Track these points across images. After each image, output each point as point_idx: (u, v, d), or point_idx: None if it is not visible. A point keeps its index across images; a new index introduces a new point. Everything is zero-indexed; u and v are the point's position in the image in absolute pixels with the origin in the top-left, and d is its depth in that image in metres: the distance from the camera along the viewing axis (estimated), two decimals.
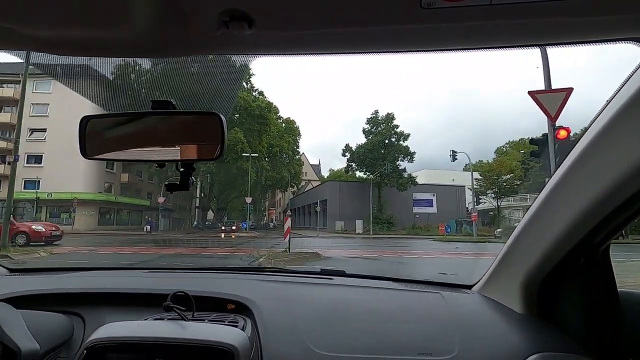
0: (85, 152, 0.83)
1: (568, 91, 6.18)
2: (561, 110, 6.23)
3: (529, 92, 6.42)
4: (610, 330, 0.94)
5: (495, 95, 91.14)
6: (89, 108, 0.98)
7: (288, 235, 10.43)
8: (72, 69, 0.76)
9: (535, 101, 6.34)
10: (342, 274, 1.50)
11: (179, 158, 0.81)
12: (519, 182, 35.34)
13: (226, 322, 1.00)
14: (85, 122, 0.83)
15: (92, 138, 0.83)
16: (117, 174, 33.45)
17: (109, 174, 32.21)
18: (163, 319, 0.97)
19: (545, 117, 6.09)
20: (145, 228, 29.65)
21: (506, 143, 60.66)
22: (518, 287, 1.06)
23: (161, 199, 29.85)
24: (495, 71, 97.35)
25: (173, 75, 0.91)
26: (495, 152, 53.58)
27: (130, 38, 0.53)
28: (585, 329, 0.96)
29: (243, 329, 0.97)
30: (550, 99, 6.39)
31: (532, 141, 6.56)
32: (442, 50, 0.59)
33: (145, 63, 0.86)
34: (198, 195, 42.67)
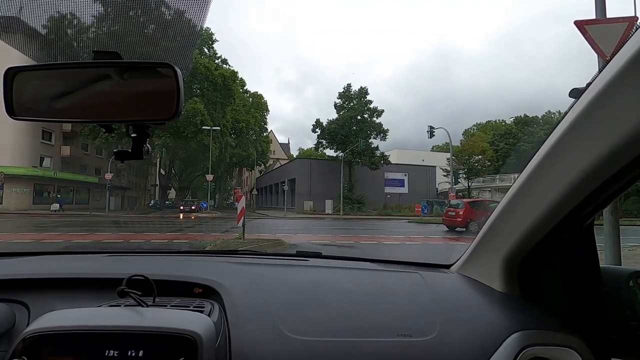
0: (13, 111, 0.71)
1: (631, 21, 4.36)
2: (620, 47, 4.35)
3: (576, 22, 4.54)
4: (592, 307, 0.94)
5: (467, 78, 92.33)
6: (18, 61, 0.79)
7: (242, 219, 8.26)
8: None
9: (584, 34, 4.47)
10: (318, 255, 1.45)
11: (128, 119, 0.72)
12: (489, 163, 35.57)
13: (191, 307, 0.92)
14: (11, 74, 0.71)
15: (21, 94, 0.72)
16: (57, 147, 29.69)
17: (46, 145, 28.41)
18: (119, 306, 0.89)
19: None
20: (52, 207, 25.95)
21: (474, 125, 61.86)
22: (499, 265, 1.05)
23: (109, 175, 26.68)
24: (468, 53, 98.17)
25: (121, 25, 0.76)
26: (463, 134, 54.25)
27: None
28: (567, 306, 0.96)
29: (209, 314, 0.90)
30: (604, 31, 4.53)
31: (575, 93, 4.89)
32: None
33: (87, 12, 0.73)
34: (158, 173, 39.65)
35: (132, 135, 0.75)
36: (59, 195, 27.47)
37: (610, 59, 0.64)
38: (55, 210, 25.01)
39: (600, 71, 0.66)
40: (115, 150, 0.78)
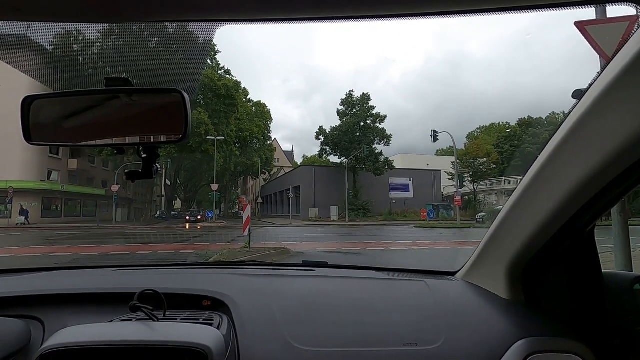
0: (30, 137, 0.74)
1: (632, 20, 4.34)
2: (621, 47, 4.33)
3: (576, 23, 4.52)
4: (595, 313, 0.94)
5: (476, 82, 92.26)
6: (27, 84, 0.85)
7: (248, 227, 8.25)
8: (6, 38, 0.64)
9: (584, 35, 4.43)
10: (324, 265, 1.47)
11: (138, 142, 0.75)
12: (494, 166, 35.29)
13: (200, 320, 0.95)
14: (28, 102, 0.74)
15: (38, 121, 0.74)
16: (64, 160, 30.05)
17: (54, 159, 28.77)
18: (131, 320, 0.91)
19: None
20: (17, 220, 24.08)
21: (477, 128, 61.66)
22: (503, 272, 1.05)
23: (115, 187, 26.86)
24: (478, 56, 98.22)
25: (129, 50, 0.78)
26: (467, 137, 54.02)
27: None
28: (570, 312, 0.96)
29: (218, 326, 0.92)
30: (605, 31, 4.50)
31: (577, 94, 4.87)
32: (444, 13, 0.50)
33: (98, 35, 0.73)
34: (163, 184, 39.91)
35: (143, 155, 0.78)
36: (25, 208, 25.35)
37: (611, 59, 0.63)
38: (20, 223, 23.66)
39: (601, 72, 0.65)
40: (126, 171, 0.81)
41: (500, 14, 0.50)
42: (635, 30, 0.61)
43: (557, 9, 0.49)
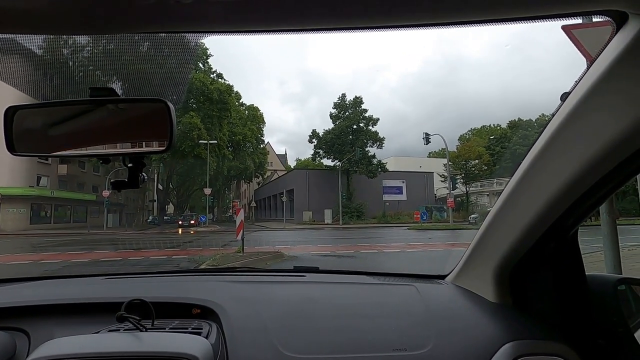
0: (13, 148, 0.73)
1: (613, 25, 4.42)
2: (600, 53, 4.45)
3: (563, 27, 4.61)
4: (580, 314, 0.96)
5: (474, 84, 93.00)
6: (11, 94, 0.82)
7: (241, 232, 8.23)
8: None
9: (571, 38, 4.52)
10: (315, 270, 1.46)
11: (124, 151, 0.75)
12: (485, 167, 35.65)
13: (189, 330, 0.94)
14: (11, 113, 0.73)
15: (21, 131, 0.74)
16: (54, 166, 29.59)
17: (43, 165, 28.29)
18: (118, 331, 0.90)
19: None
20: None
21: (469, 130, 62.29)
22: (491, 275, 1.06)
23: (106, 192, 26.65)
24: (475, 58, 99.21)
25: (114, 59, 0.79)
26: (458, 140, 54.53)
27: (53, 10, 0.44)
28: (556, 314, 0.98)
29: (207, 335, 0.91)
30: (591, 35, 4.59)
31: (565, 96, 4.94)
32: (441, 24, 0.49)
33: (88, 40, 0.75)
34: (155, 188, 39.53)
35: (129, 165, 0.77)
36: None
37: (591, 65, 0.64)
38: None
39: (582, 76, 0.66)
40: (112, 180, 0.81)
41: (493, 25, 0.51)
42: (614, 33, 0.62)
43: (545, 20, 0.50)
